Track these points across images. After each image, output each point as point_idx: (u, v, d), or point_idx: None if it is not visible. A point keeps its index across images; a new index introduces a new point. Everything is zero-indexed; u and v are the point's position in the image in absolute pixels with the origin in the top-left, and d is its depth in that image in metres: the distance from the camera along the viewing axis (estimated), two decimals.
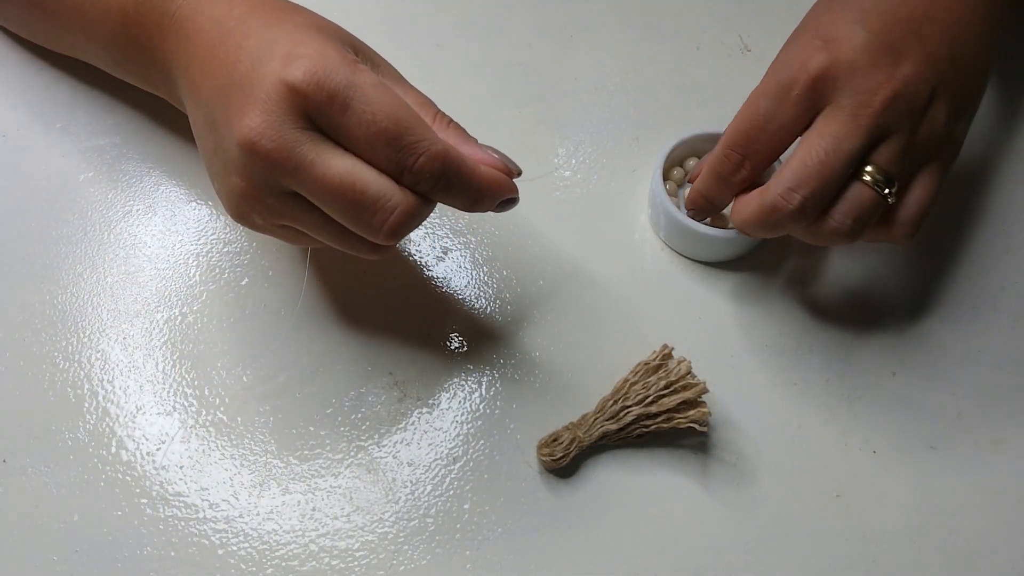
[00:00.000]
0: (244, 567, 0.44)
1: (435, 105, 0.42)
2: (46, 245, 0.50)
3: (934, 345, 0.50)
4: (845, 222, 0.43)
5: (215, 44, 0.40)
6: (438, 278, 0.50)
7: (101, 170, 0.52)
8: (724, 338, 0.50)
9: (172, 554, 0.44)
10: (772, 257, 0.52)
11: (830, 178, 0.42)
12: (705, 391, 0.45)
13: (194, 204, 0.52)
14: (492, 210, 0.42)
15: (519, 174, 0.42)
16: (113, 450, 0.46)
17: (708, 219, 0.49)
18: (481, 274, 0.51)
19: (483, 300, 0.50)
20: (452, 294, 0.50)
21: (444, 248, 0.51)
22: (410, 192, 0.39)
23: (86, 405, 0.47)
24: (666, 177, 0.51)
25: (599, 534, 0.45)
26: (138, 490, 0.45)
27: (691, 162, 0.53)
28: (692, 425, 0.45)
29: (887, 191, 0.43)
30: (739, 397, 0.48)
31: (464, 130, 0.42)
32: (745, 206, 0.45)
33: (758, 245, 0.52)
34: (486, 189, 0.40)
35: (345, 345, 0.48)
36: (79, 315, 0.49)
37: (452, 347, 0.49)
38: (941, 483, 0.47)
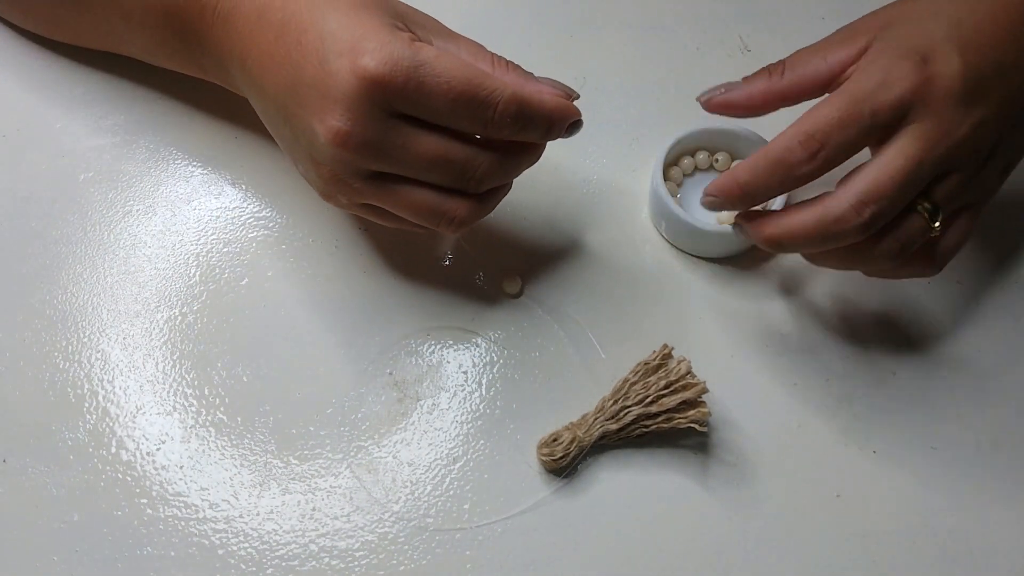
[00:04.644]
0: (244, 567, 0.44)
1: (486, 49, 0.44)
2: (46, 245, 0.50)
3: (934, 345, 0.50)
4: (894, 246, 0.43)
5: (272, 40, 0.42)
6: (437, 278, 0.50)
7: (101, 170, 0.52)
8: (724, 338, 0.50)
9: (172, 554, 0.44)
10: (773, 257, 0.52)
11: (902, 198, 0.41)
12: (705, 391, 0.45)
13: (194, 204, 0.52)
14: (562, 136, 0.44)
15: (577, 97, 0.45)
16: (113, 450, 0.46)
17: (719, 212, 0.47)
18: (480, 274, 0.51)
19: (482, 300, 0.50)
20: (450, 294, 0.50)
21: (444, 250, 0.51)
22: (491, 151, 0.43)
23: (86, 405, 0.47)
24: (666, 176, 0.51)
25: (599, 534, 0.45)
26: (138, 490, 0.45)
27: (687, 160, 0.53)
28: (692, 425, 0.45)
29: (935, 223, 0.43)
30: (739, 397, 0.48)
31: (520, 67, 0.44)
32: (798, 216, 0.43)
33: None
34: (556, 115, 0.43)
35: (345, 345, 0.48)
36: (79, 315, 0.49)
37: (452, 347, 0.49)
38: (941, 483, 0.47)
